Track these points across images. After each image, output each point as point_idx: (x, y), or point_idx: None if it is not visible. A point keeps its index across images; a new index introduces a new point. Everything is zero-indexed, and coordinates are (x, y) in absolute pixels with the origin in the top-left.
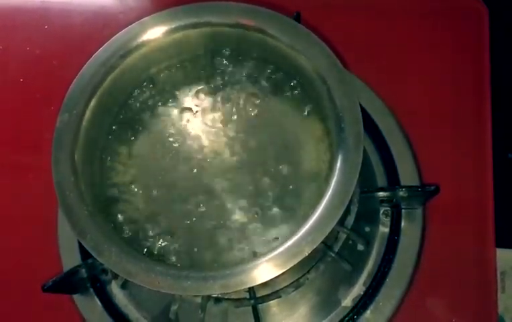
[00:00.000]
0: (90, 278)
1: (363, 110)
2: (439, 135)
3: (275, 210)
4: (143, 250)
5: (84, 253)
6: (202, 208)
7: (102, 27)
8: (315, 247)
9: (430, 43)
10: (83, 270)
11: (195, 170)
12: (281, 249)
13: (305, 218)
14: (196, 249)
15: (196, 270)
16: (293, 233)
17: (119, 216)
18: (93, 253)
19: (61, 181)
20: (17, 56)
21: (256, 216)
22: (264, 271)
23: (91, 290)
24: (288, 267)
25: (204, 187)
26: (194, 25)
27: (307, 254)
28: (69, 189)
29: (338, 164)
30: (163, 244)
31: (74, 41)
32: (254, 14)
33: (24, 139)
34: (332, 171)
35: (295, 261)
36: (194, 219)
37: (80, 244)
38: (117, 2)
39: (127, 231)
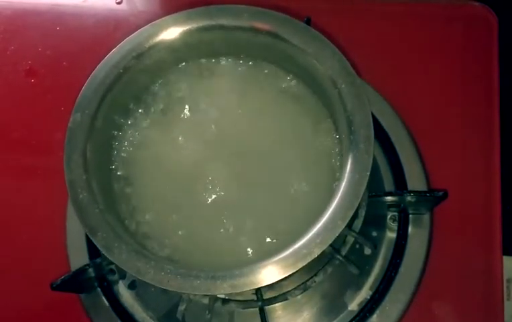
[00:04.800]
0: (98, 278)
1: (372, 114)
2: (447, 141)
3: (286, 213)
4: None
5: (92, 253)
6: (211, 213)
7: (113, 29)
8: (324, 248)
9: (439, 50)
10: (91, 270)
11: (206, 173)
12: (290, 250)
13: (316, 219)
14: (203, 253)
15: (206, 270)
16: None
17: (127, 215)
18: (103, 251)
19: (73, 180)
20: (28, 57)
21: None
22: (273, 272)
23: (98, 289)
24: (297, 269)
25: (214, 190)
26: (207, 28)
27: (316, 256)
28: (81, 187)
29: (348, 166)
30: (169, 244)
31: (85, 43)
32: (266, 17)
33: (34, 138)
34: (342, 173)
35: (305, 263)
36: (202, 223)
37: (88, 244)
38: (128, 5)
39: (136, 231)
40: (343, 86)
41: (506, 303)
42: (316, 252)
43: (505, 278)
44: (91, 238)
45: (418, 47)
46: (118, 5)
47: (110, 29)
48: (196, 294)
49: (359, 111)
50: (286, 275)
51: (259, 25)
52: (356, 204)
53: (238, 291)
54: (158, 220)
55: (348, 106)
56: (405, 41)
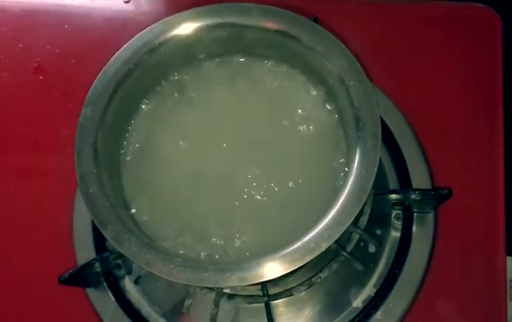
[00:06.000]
0: (104, 273)
1: None
2: (451, 141)
3: (291, 210)
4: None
5: (99, 248)
6: (218, 204)
7: (121, 28)
8: (332, 242)
9: (444, 51)
10: (97, 264)
11: (214, 168)
12: (298, 244)
13: (323, 215)
14: (211, 243)
15: (214, 262)
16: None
17: (136, 209)
18: (114, 244)
19: (83, 173)
20: (37, 54)
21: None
22: (281, 265)
23: (104, 284)
24: (305, 262)
25: (224, 181)
26: (217, 26)
27: (323, 249)
28: (91, 181)
29: (356, 163)
30: (179, 239)
31: (93, 41)
32: (275, 15)
33: (42, 135)
34: (349, 169)
35: (312, 256)
36: (211, 214)
37: (94, 239)
38: (135, 5)
39: (145, 224)
40: (351, 83)
41: (509, 303)
42: (323, 246)
43: (509, 278)
44: (101, 231)
45: (423, 48)
46: (125, 4)
47: (118, 28)
48: (202, 289)
49: (367, 108)
50: (294, 268)
51: (268, 23)
52: (364, 200)
53: (247, 284)
54: (163, 216)
55: (356, 104)
56: (410, 42)
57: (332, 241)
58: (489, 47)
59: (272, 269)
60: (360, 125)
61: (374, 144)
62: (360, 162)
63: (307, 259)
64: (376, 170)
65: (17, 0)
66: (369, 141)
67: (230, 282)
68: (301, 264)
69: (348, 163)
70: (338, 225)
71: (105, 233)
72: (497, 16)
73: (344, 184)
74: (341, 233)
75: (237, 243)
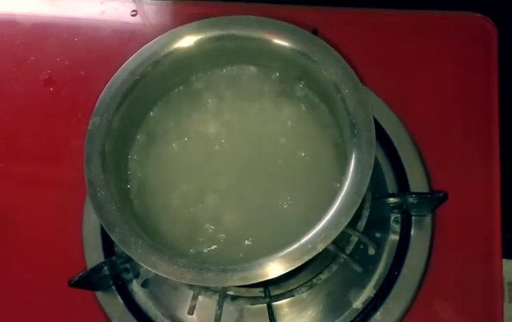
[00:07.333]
0: (113, 276)
1: (375, 120)
2: (448, 146)
3: (288, 212)
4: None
5: (107, 253)
6: (221, 209)
7: (128, 39)
8: (328, 243)
9: (440, 58)
10: (106, 267)
11: (219, 173)
12: (296, 245)
13: (319, 217)
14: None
15: (217, 263)
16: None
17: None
18: (121, 246)
19: (92, 179)
20: (47, 66)
21: (270, 218)
22: (281, 265)
23: (113, 287)
24: (303, 262)
25: (224, 189)
26: (219, 37)
27: (320, 250)
28: (99, 186)
29: (352, 167)
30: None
31: (101, 53)
32: (275, 27)
33: (53, 143)
34: (345, 173)
35: (310, 256)
36: (215, 220)
37: (103, 244)
38: (142, 18)
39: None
40: (346, 91)
41: (506, 306)
42: (320, 247)
43: (506, 281)
44: (109, 233)
45: (420, 55)
46: (133, 17)
47: (125, 40)
48: (206, 291)
49: (362, 115)
50: (293, 268)
51: (268, 34)
52: (359, 202)
53: (248, 283)
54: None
55: (351, 110)
56: (407, 50)
57: (329, 241)
58: (485, 55)
59: (272, 268)
60: (355, 131)
61: (369, 148)
62: (356, 166)
63: (306, 259)
64: (371, 172)
65: (29, 14)
66: (364, 145)
67: (232, 281)
68: (300, 264)
69: (345, 166)
70: (335, 226)
71: (112, 236)
72: (492, 24)
73: (341, 188)
74: (337, 234)
75: (240, 244)
